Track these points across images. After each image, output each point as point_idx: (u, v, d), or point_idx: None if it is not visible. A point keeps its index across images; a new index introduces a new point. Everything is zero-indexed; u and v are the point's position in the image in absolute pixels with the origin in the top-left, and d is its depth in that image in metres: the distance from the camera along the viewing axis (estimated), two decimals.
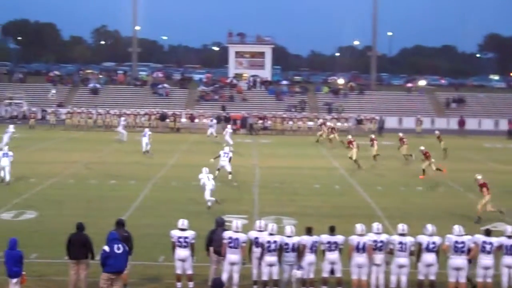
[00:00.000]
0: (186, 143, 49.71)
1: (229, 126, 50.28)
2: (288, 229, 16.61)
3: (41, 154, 41.57)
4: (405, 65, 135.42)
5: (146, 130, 44.01)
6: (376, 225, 16.79)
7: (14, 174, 32.93)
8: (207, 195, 26.36)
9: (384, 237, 16.60)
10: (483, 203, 24.99)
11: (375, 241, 16.49)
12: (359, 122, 62.52)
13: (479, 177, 25.47)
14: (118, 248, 15.26)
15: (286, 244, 16.33)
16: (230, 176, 32.67)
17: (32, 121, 58.96)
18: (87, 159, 39.30)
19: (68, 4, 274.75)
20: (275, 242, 16.27)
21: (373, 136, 43.24)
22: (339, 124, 60.97)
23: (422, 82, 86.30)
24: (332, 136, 50.14)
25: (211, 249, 16.90)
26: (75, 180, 32.32)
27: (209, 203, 26.32)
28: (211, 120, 55.00)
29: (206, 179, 26.57)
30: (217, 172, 32.46)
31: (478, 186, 25.35)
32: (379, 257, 16.50)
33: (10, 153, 32.11)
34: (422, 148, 36.15)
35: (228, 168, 32.87)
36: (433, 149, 39.17)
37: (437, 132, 46.34)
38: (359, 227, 16.63)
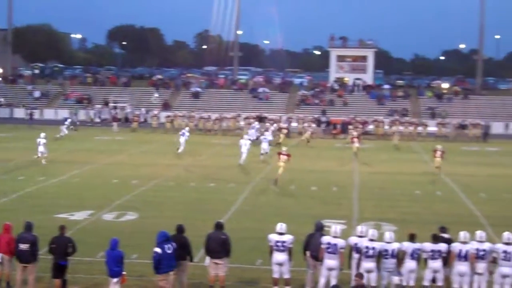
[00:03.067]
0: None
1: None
2: (387, 235, 16.30)
3: (142, 156, 42.39)
4: None
5: (186, 130, 45.85)
6: (479, 233, 16.28)
7: (118, 176, 33.78)
8: (242, 158, 38.13)
9: (487, 245, 16.06)
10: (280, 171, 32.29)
11: (477, 249, 15.99)
12: (463, 127, 60.67)
13: (284, 148, 33.60)
14: (169, 248, 15.54)
15: (386, 250, 16.04)
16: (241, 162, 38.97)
17: (135, 124, 60.19)
18: (188, 162, 39.79)
19: (172, 10, 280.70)
20: (373, 248, 15.97)
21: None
22: (443, 129, 59.39)
23: None
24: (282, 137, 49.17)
25: (308, 253, 16.74)
26: (175, 182, 32.74)
27: (241, 162, 37.98)
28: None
29: (244, 145, 38.58)
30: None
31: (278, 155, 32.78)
32: (481, 266, 15.99)
33: (187, 133, 44.45)
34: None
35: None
36: None
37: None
38: (463, 234, 16.17)
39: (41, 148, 37.18)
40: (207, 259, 16.56)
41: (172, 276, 15.62)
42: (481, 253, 15.98)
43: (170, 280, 15.61)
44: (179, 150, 43.05)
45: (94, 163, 38.26)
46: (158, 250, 15.41)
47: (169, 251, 15.49)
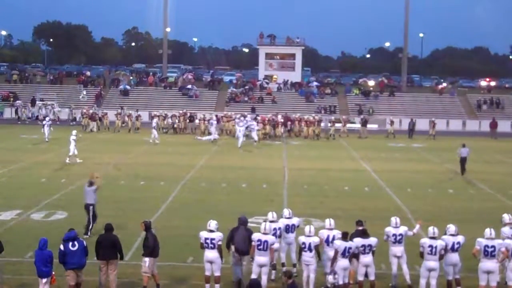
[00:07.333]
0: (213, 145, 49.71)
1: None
2: (307, 228, 16.71)
3: None
4: (437, 66, 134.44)
5: (214, 120, 53.31)
6: (393, 219, 17.32)
7: (46, 175, 33.25)
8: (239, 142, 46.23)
9: (402, 230, 17.19)
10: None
11: (394, 234, 17.10)
12: (364, 124, 60.01)
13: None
14: (73, 245, 15.71)
15: (303, 243, 16.47)
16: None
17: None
18: (117, 160, 39.46)
19: (100, 7, 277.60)
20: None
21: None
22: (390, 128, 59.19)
23: (453, 84, 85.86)
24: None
25: (233, 247, 16.80)
26: (105, 181, 32.06)
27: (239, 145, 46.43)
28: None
29: (239, 131, 47.32)
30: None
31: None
32: (399, 250, 17.09)
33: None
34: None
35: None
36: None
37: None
38: (327, 221, 17.37)
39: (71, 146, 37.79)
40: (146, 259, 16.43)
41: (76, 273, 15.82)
42: (399, 237, 17.08)
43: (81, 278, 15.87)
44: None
45: (21, 162, 37.60)
46: (61, 247, 15.67)
47: (73, 248, 15.64)
